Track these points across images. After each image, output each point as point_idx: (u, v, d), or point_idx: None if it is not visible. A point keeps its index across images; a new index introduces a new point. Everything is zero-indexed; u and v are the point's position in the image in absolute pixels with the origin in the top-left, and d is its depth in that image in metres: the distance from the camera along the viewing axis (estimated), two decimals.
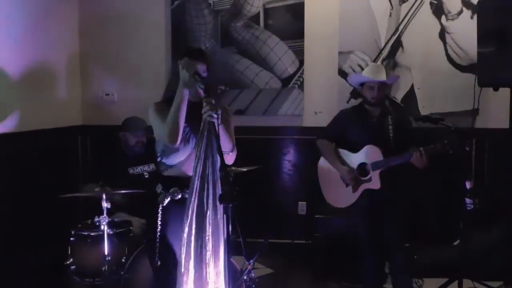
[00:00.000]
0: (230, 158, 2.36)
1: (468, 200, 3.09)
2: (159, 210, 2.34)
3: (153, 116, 2.41)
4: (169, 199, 2.31)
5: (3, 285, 3.23)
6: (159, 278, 2.37)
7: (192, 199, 2.12)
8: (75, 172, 4.31)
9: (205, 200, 2.10)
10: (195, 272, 2.06)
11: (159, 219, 2.34)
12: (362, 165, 3.11)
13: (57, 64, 4.18)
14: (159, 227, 2.33)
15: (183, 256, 2.08)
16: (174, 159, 2.35)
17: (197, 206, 2.11)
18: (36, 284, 3.33)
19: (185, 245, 2.10)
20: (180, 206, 2.29)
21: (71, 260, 3.00)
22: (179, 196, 2.30)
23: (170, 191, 2.30)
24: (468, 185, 3.08)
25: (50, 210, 3.56)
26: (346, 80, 4.12)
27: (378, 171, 3.04)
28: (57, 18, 4.16)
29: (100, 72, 4.47)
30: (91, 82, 4.48)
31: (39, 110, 3.84)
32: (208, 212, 2.10)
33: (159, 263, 2.35)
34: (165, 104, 2.39)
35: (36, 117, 3.79)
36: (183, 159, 2.33)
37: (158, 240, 2.32)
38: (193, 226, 2.09)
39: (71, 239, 3.04)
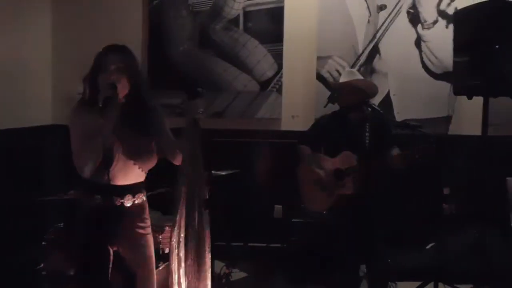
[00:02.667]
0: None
1: (445, 206, 3.17)
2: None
3: None
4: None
5: None
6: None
7: (180, 204, 2.08)
8: (48, 172, 4.18)
9: (190, 205, 2.05)
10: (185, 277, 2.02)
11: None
12: (338, 170, 3.15)
13: (28, 61, 4.04)
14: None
15: (174, 264, 2.03)
16: None
17: (185, 211, 2.06)
18: None
19: (175, 250, 2.04)
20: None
21: (43, 265, 2.91)
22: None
23: None
24: (445, 190, 3.15)
25: (21, 212, 3.43)
26: (324, 85, 4.15)
27: (351, 177, 3.08)
28: (29, 14, 4.03)
29: (73, 71, 4.33)
30: (64, 81, 4.35)
31: (8, 108, 3.71)
32: (194, 215, 2.06)
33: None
34: None
35: (5, 115, 3.67)
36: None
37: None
38: (181, 231, 2.04)
39: (43, 243, 2.95)
